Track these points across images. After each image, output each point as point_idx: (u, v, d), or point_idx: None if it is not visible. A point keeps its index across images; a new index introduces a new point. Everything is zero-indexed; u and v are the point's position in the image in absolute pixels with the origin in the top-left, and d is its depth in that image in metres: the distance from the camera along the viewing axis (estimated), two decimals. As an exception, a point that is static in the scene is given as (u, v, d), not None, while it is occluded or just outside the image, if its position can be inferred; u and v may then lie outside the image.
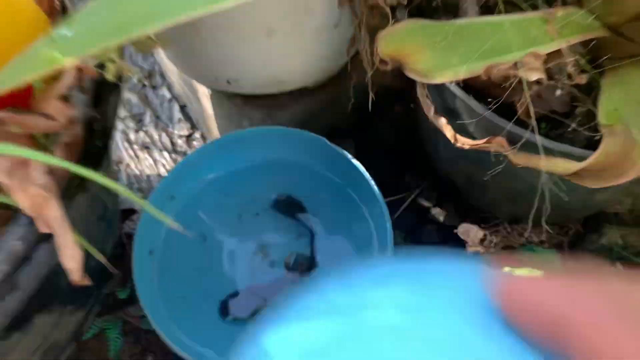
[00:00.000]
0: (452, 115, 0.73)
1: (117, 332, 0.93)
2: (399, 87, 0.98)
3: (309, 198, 0.97)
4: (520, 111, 0.64)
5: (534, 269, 0.24)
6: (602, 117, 0.61)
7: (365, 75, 0.75)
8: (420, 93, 0.69)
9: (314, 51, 0.88)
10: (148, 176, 1.16)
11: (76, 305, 0.81)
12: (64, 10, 0.64)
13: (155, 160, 1.18)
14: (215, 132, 1.08)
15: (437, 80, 0.61)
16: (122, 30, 0.32)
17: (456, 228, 1.01)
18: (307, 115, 1.00)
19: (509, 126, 0.65)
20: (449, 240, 1.00)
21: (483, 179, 0.85)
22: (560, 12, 0.64)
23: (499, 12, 0.69)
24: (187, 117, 1.23)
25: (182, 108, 1.24)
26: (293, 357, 0.24)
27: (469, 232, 0.99)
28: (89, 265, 0.51)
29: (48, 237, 0.51)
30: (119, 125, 1.22)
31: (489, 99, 0.69)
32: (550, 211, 0.86)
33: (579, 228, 0.98)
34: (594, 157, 0.58)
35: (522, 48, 0.62)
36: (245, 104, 0.97)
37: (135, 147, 1.20)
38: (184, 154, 1.19)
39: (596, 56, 0.66)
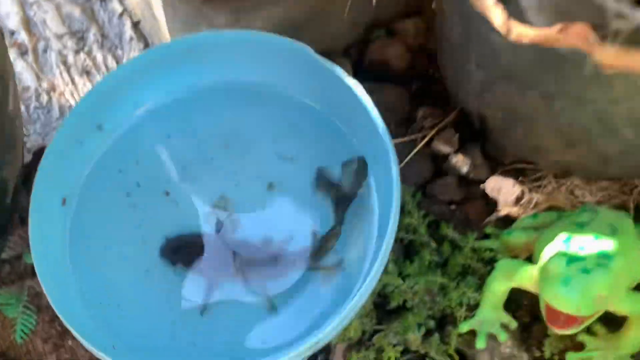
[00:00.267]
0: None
1: (19, 308, 0.68)
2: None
3: (281, 136, 0.71)
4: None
5: None
6: None
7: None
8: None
9: None
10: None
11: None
12: None
13: (96, 88, 0.92)
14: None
15: None
16: None
17: (483, 182, 0.76)
18: (287, 26, 0.75)
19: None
20: (473, 197, 0.75)
21: (533, 107, 0.59)
22: None
23: None
24: (141, 35, 0.97)
25: (135, 25, 0.99)
26: None
27: (501, 187, 0.74)
28: None
29: None
30: (54, 45, 0.97)
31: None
32: (618, 160, 0.61)
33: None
34: None
35: None
36: (204, 3, 0.71)
37: (73, 71, 0.95)
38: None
39: None
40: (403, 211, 0.70)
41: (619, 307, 0.58)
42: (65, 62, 0.96)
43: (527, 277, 0.60)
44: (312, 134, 0.71)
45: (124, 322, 0.62)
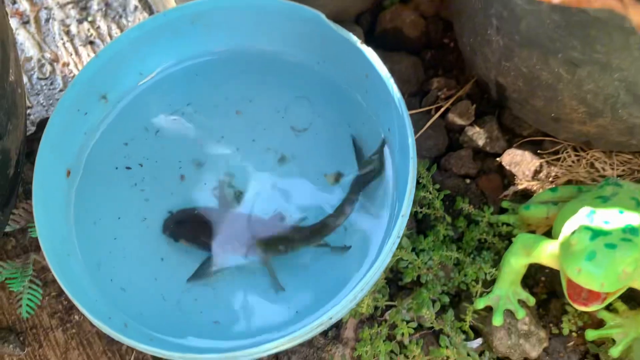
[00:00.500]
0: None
1: (26, 281, 0.67)
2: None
3: (293, 107, 0.68)
4: None
5: None
6: None
7: None
8: None
9: None
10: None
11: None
12: None
13: (100, 59, 0.89)
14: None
15: None
16: None
17: (499, 155, 0.73)
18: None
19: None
20: (489, 171, 0.73)
21: (555, 75, 0.56)
22: None
23: None
24: (146, 4, 0.94)
25: (140, -7, 0.95)
26: None
27: (519, 161, 0.72)
28: None
29: None
30: (57, 14, 0.94)
31: None
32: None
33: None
34: None
35: None
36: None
37: (77, 41, 0.92)
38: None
39: None
40: (417, 185, 0.68)
41: (643, 284, 0.56)
42: (68, 32, 0.93)
43: (546, 252, 0.58)
44: (325, 104, 0.68)
45: (130, 296, 0.61)
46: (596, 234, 0.52)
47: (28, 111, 0.84)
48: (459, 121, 0.74)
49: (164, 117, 0.69)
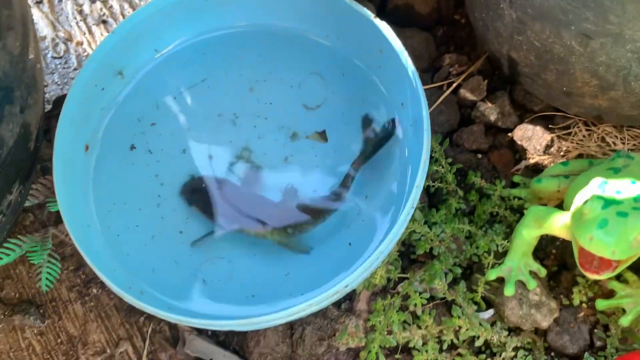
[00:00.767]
0: None
1: (45, 255, 0.68)
2: None
3: (307, 83, 0.69)
4: None
5: None
6: None
7: None
8: None
9: None
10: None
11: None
12: None
13: (113, 38, 0.90)
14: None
15: None
16: None
17: (511, 130, 0.74)
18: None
19: None
20: (501, 146, 0.74)
21: (567, 48, 0.57)
22: None
23: None
24: (158, -17, 0.94)
25: (152, -28, 0.95)
26: None
27: (530, 135, 0.72)
28: None
29: None
30: (70, -6, 0.94)
31: None
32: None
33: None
34: None
35: None
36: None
37: (90, 21, 0.93)
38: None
39: None
40: (430, 159, 0.68)
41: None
42: (81, 12, 0.94)
43: (558, 223, 0.58)
44: (338, 81, 0.69)
45: (148, 266, 0.62)
46: (608, 203, 0.52)
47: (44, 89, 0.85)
48: (471, 97, 0.75)
49: (178, 92, 0.70)
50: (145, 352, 0.68)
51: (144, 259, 0.62)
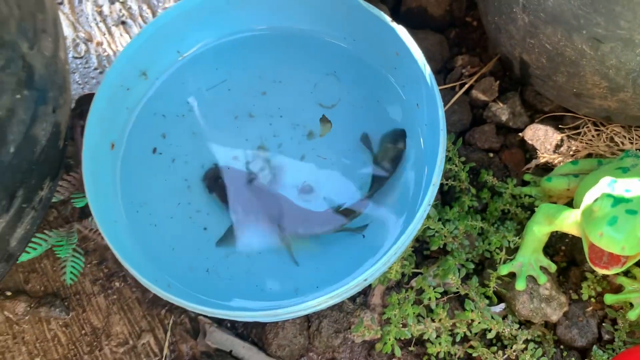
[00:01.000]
0: None
1: (70, 250, 0.70)
2: None
3: (323, 83, 0.71)
4: None
5: None
6: None
7: None
8: None
9: None
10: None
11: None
12: None
13: (132, 38, 0.92)
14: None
15: None
16: None
17: (522, 130, 0.76)
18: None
19: None
20: (512, 145, 0.76)
21: (578, 51, 0.59)
22: None
23: None
24: (175, -15, 0.97)
25: (170, -26, 0.97)
26: None
27: (541, 135, 0.74)
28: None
29: None
30: (90, -5, 0.96)
31: None
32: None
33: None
34: None
35: None
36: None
37: (110, 21, 0.95)
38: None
39: None
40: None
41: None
42: (100, 13, 0.96)
43: (568, 220, 0.60)
44: (353, 81, 0.71)
45: (173, 260, 0.64)
46: (617, 201, 0.54)
47: (65, 89, 0.87)
48: (483, 97, 0.77)
49: (199, 92, 0.72)
50: (166, 344, 0.70)
51: (169, 253, 0.64)
